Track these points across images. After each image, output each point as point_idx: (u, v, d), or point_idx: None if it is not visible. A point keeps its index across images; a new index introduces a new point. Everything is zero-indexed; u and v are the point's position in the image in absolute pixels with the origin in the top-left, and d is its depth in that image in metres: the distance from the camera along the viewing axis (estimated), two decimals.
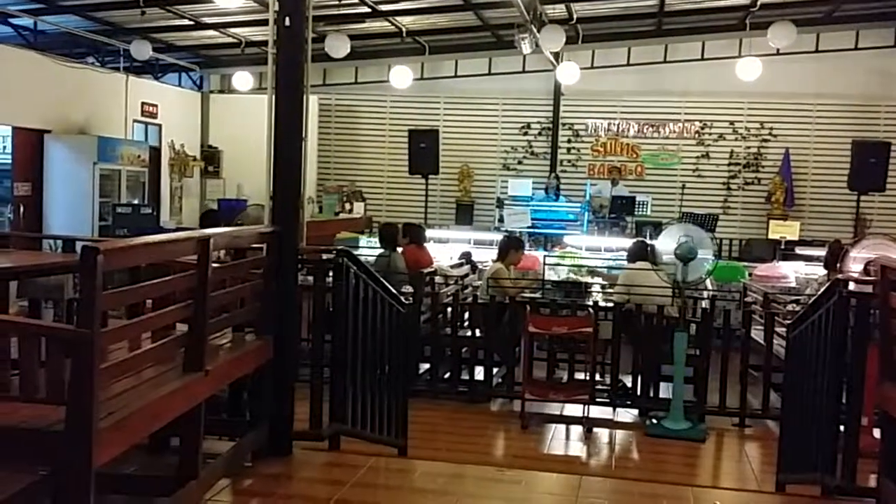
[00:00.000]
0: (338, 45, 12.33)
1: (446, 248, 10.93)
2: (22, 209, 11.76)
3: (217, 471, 3.87)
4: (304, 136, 4.66)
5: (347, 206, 15.15)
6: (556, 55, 13.52)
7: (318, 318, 4.66)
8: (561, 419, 6.81)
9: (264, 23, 11.73)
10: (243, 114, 14.59)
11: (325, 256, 4.77)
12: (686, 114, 15.02)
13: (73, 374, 2.58)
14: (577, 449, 6.35)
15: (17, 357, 3.02)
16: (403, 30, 13.55)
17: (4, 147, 12.19)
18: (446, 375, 7.51)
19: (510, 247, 8.54)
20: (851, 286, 4.20)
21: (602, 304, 7.59)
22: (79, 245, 5.25)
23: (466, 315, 8.16)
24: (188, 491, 3.45)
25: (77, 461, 2.57)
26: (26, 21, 12.10)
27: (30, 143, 12.08)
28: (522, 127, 15.61)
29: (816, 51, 13.91)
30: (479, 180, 15.55)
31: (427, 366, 7.50)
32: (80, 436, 2.56)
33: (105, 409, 2.72)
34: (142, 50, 12.80)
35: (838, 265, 8.18)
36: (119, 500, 3.79)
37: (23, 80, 11.52)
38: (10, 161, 12.07)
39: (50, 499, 3.21)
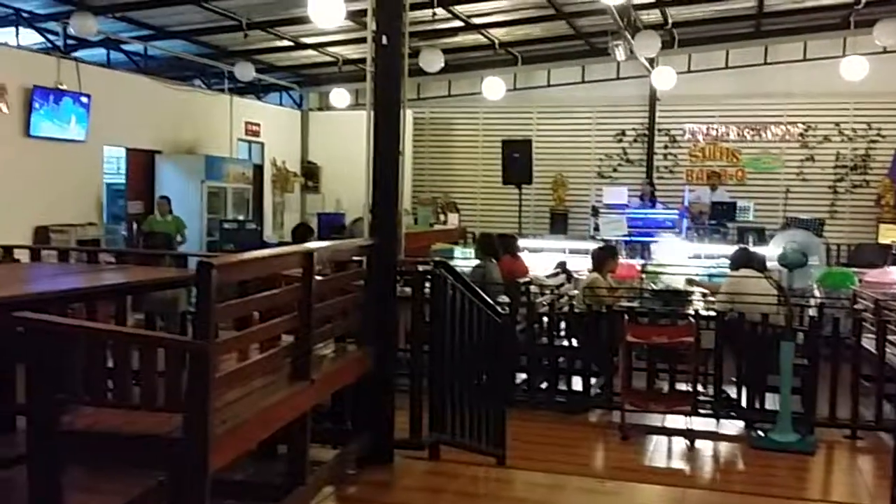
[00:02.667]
0: (432, 60, 12.50)
1: (541, 257, 10.93)
2: (135, 227, 12.33)
3: (323, 478, 3.98)
4: (401, 150, 4.76)
5: (442, 217, 15.30)
6: (651, 60, 13.37)
7: (417, 328, 4.75)
8: (662, 431, 6.72)
9: (361, 41, 12.01)
10: (341, 130, 14.95)
11: (421, 268, 4.85)
12: (788, 116, 14.63)
13: (190, 383, 2.72)
14: (680, 461, 6.25)
15: (136, 367, 3.20)
16: (496, 41, 13.64)
17: (119, 168, 12.82)
18: (543, 385, 7.51)
19: (606, 255, 8.48)
20: None
21: (703, 312, 7.46)
22: (191, 260, 5.51)
23: (563, 325, 8.14)
24: (296, 497, 3.57)
25: (194, 466, 2.70)
26: (137, 47, 12.71)
27: (142, 164, 12.69)
28: (617, 134, 15.48)
29: None
30: (573, 189, 15.49)
31: (524, 376, 7.51)
32: (196, 442, 2.69)
33: (219, 416, 2.85)
34: (245, 71, 13.28)
35: None
36: None
37: (135, 103, 12.11)
38: (124, 181, 12.69)
39: (168, 502, 3.38)
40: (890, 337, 6.67)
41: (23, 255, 6.55)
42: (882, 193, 13.78)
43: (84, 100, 11.14)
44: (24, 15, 10.83)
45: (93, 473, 3.88)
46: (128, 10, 10.91)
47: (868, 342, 7.14)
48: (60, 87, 10.87)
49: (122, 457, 2.93)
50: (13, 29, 10.99)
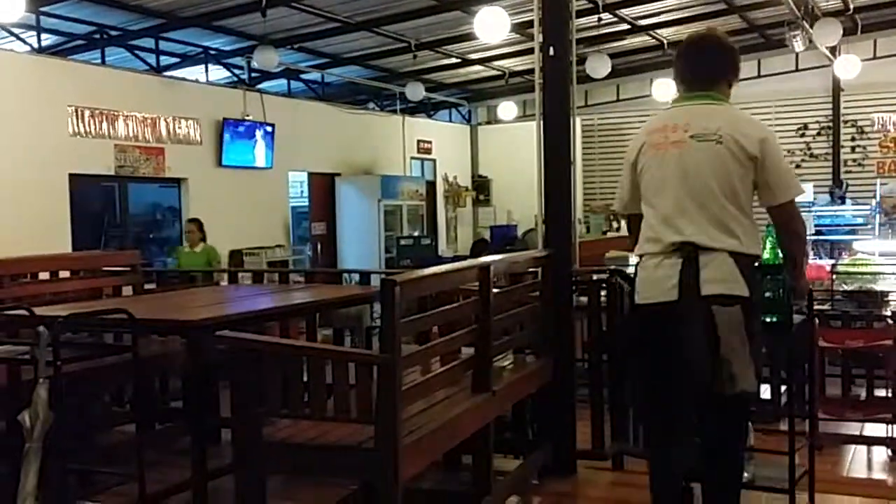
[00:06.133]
0: (599, 66, 12.39)
1: None
2: (319, 247, 12.95)
3: (507, 488, 4.04)
4: (571, 158, 4.76)
5: (615, 224, 15.07)
6: (833, 49, 12.66)
7: (594, 337, 4.73)
8: (860, 440, 6.32)
9: (527, 52, 12.10)
10: (509, 142, 15.08)
11: (597, 277, 4.83)
12: None
13: (378, 395, 2.85)
14: (882, 472, 5.87)
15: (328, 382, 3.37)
16: (664, 42, 13.34)
17: (302, 191, 13.51)
18: None
19: None
20: None
21: None
22: (373, 278, 5.75)
23: None
24: None
25: (386, 476, 2.82)
26: (315, 75, 13.37)
27: (323, 186, 13.31)
28: (799, 128, 14.76)
29: None
30: None
31: None
32: (387, 452, 2.81)
33: (407, 427, 2.96)
34: (415, 91, 13.66)
35: None
36: None
37: (315, 129, 12.75)
38: (307, 204, 13.36)
39: None
40: None
41: (221, 278, 7.05)
42: None
43: (269, 128, 11.83)
44: (212, 52, 11.64)
45: (292, 481, 4.12)
46: (305, 40, 11.49)
47: None
48: (247, 118, 11.60)
49: (319, 467, 3.11)
50: (203, 66, 11.84)
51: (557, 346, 4.50)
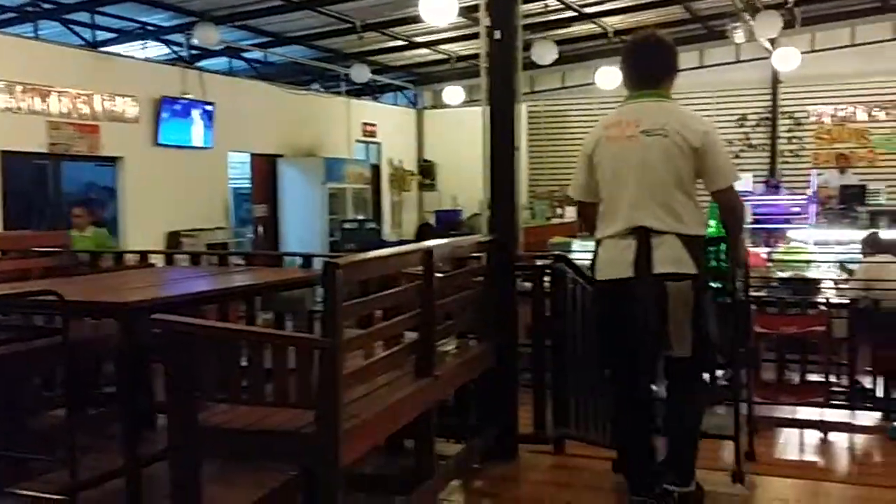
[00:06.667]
0: (545, 52, 12.42)
1: None
2: (261, 229, 12.77)
3: (450, 472, 4.04)
4: (517, 144, 4.74)
5: (559, 210, 15.19)
6: (773, 41, 12.88)
7: (537, 323, 4.73)
8: (793, 423, 6.49)
9: (473, 37, 12.02)
10: (455, 127, 15.05)
11: (540, 262, 4.83)
12: None
13: (320, 380, 2.80)
14: (813, 454, 6.04)
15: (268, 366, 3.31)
16: (609, 30, 13.42)
17: (243, 172, 13.29)
18: None
19: None
20: None
21: (835, 300, 7.16)
22: (316, 261, 5.67)
23: None
24: (425, 490, 3.63)
25: (327, 461, 2.78)
26: (257, 54, 13.13)
27: (265, 168, 13.11)
28: (738, 119, 15.02)
29: None
30: None
31: None
32: (328, 437, 2.77)
33: (348, 412, 2.92)
34: (361, 73, 13.53)
35: None
36: (359, 498, 4.05)
37: (256, 109, 12.52)
38: (249, 185, 13.15)
39: (302, 495, 3.49)
40: None
41: (157, 260, 6.88)
42: None
43: (209, 108, 11.59)
44: (150, 28, 11.35)
45: (230, 467, 4.04)
46: (247, 18, 11.27)
47: None
48: (186, 96, 11.34)
49: (258, 452, 3.05)
50: (140, 42, 11.53)
51: (501, 331, 4.50)
